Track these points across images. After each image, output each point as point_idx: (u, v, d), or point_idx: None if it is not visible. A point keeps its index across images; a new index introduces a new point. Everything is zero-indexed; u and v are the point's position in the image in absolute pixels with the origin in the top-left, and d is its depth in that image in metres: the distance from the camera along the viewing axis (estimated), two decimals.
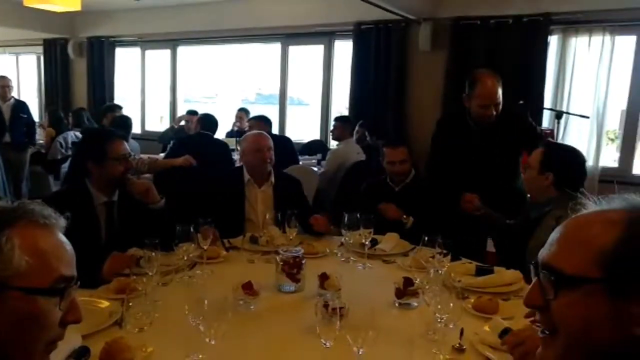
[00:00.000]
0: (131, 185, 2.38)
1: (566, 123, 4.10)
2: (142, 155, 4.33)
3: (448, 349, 1.54)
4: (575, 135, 4.41)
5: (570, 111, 4.14)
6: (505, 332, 1.50)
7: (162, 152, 5.44)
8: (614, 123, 4.70)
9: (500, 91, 2.79)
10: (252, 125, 4.58)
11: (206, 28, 6.61)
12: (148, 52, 7.61)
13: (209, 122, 4.37)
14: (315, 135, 6.25)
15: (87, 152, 2.36)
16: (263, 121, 4.57)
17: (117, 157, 2.29)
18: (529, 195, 2.61)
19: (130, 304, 1.68)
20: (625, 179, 4.34)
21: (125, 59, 7.77)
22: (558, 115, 4.01)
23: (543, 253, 0.83)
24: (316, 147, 5.66)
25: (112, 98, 7.44)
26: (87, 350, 1.39)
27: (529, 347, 1.27)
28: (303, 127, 6.50)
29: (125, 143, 2.39)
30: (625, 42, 4.51)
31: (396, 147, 3.03)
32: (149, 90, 7.67)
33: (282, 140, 4.81)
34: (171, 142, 5.09)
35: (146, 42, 7.47)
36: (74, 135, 5.31)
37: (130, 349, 1.41)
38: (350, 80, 5.71)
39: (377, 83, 5.49)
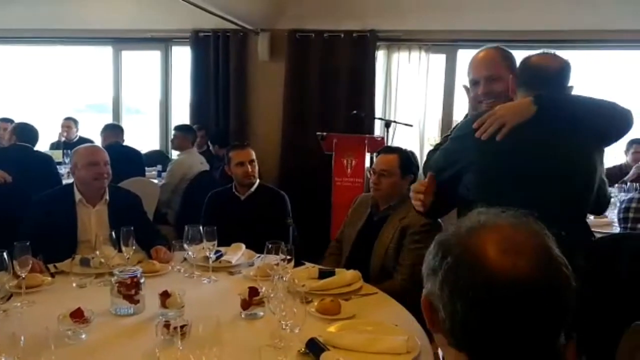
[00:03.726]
0: None
1: (395, 131, 4.49)
2: None
3: (294, 354, 1.57)
4: (403, 141, 4.85)
5: (398, 120, 4.55)
6: (311, 342, 1.57)
7: None
8: (433, 131, 5.28)
9: (500, 65, 1.94)
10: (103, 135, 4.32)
11: (23, 26, 5.86)
12: None
13: (26, 131, 3.85)
14: (154, 145, 5.94)
15: None
16: (114, 130, 4.28)
17: None
18: (375, 197, 2.56)
19: None
20: None
21: None
22: (387, 124, 4.38)
23: None
24: (155, 158, 5.37)
25: None
26: None
27: None
28: (140, 137, 6.12)
29: None
30: (438, 60, 5.13)
31: (245, 148, 3.06)
32: None
33: (131, 153, 4.54)
34: None
35: None
36: None
37: None
38: (190, 88, 5.56)
39: (218, 91, 5.43)
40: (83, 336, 1.63)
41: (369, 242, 2.47)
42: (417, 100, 5.07)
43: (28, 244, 1.91)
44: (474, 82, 2.01)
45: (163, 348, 1.38)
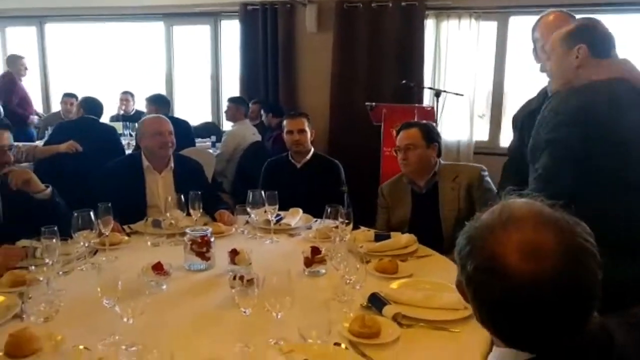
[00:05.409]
0: (10, 176, 2.19)
1: (444, 101, 4.47)
2: (17, 144, 3.94)
3: (357, 307, 1.68)
4: (452, 112, 4.83)
5: (447, 90, 4.51)
6: (373, 296, 1.66)
7: (38, 139, 5.00)
8: (483, 101, 5.21)
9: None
10: (147, 106, 4.44)
11: (78, 4, 6.11)
12: (9, 30, 6.87)
13: (92, 105, 4.08)
14: (206, 117, 6.13)
15: None
16: (159, 103, 4.42)
17: None
18: (407, 175, 2.61)
19: (31, 295, 1.59)
20: (495, 150, 4.87)
21: None
22: (437, 93, 4.36)
23: None
24: (208, 130, 5.56)
25: None
26: None
27: None
28: (192, 109, 6.32)
29: (7, 134, 2.19)
30: (489, 28, 5.02)
31: (295, 117, 3.15)
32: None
33: (179, 124, 4.68)
34: (48, 128, 4.70)
35: (6, 18, 6.72)
36: None
37: (38, 338, 1.35)
38: (239, 61, 5.67)
39: (267, 64, 5.51)
40: (164, 287, 1.79)
41: (429, 215, 2.50)
42: (467, 70, 5.00)
43: (110, 204, 2.08)
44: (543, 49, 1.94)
45: (240, 297, 1.50)
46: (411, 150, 2.51)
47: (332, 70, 5.26)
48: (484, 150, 4.88)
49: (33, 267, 1.62)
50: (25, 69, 5.96)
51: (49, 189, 2.29)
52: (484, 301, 0.82)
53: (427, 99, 5.05)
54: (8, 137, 2.17)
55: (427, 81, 5.05)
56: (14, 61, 5.93)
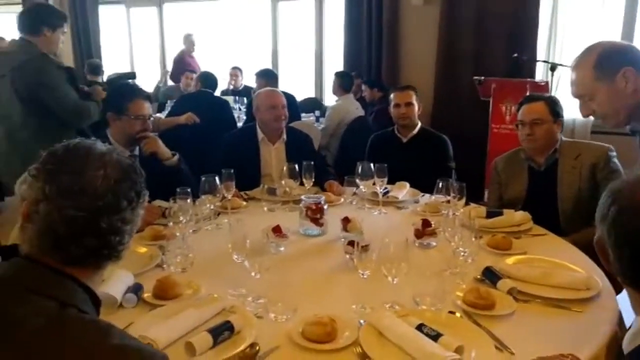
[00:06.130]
0: (141, 144, 2.43)
1: (560, 76, 4.18)
2: None
3: (470, 279, 1.68)
4: (569, 88, 4.49)
5: (564, 63, 4.21)
6: (487, 270, 1.66)
7: (157, 111, 5.43)
8: None
9: None
10: (257, 80, 4.65)
11: None
12: (133, 10, 7.45)
13: (209, 79, 4.37)
14: (309, 92, 6.26)
15: (109, 103, 2.42)
16: (268, 77, 4.60)
17: (136, 116, 2.34)
18: (527, 151, 2.50)
19: (169, 249, 1.78)
20: (616, 130, 4.47)
21: (110, 18, 7.59)
22: (552, 67, 4.09)
23: None
24: (311, 105, 5.69)
25: (99, 58, 7.30)
26: (140, 286, 1.50)
27: None
28: (296, 85, 6.49)
29: (147, 104, 2.43)
30: None
31: (403, 90, 3.16)
32: (137, 50, 7.55)
33: (286, 97, 4.85)
34: (167, 100, 5.09)
35: None
36: None
37: (180, 285, 1.52)
38: (343, 36, 5.69)
39: (371, 38, 5.48)
40: (282, 248, 1.91)
41: (545, 193, 2.40)
42: (587, 41, 4.60)
43: (232, 171, 2.24)
44: None
45: (358, 260, 1.57)
46: (538, 126, 2.39)
47: (437, 44, 5.11)
48: (603, 130, 4.50)
49: (171, 224, 1.81)
50: (193, 45, 6.76)
51: (176, 157, 2.51)
52: (628, 245, 0.82)
53: (540, 73, 4.75)
54: (148, 107, 2.41)
55: (541, 54, 4.74)
56: (186, 39, 6.76)
